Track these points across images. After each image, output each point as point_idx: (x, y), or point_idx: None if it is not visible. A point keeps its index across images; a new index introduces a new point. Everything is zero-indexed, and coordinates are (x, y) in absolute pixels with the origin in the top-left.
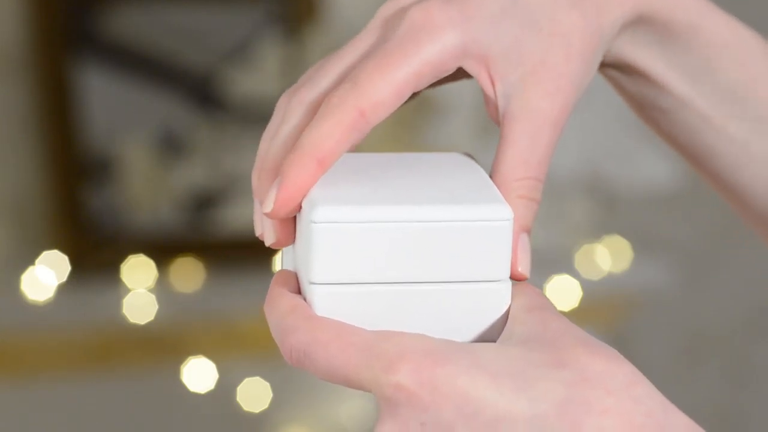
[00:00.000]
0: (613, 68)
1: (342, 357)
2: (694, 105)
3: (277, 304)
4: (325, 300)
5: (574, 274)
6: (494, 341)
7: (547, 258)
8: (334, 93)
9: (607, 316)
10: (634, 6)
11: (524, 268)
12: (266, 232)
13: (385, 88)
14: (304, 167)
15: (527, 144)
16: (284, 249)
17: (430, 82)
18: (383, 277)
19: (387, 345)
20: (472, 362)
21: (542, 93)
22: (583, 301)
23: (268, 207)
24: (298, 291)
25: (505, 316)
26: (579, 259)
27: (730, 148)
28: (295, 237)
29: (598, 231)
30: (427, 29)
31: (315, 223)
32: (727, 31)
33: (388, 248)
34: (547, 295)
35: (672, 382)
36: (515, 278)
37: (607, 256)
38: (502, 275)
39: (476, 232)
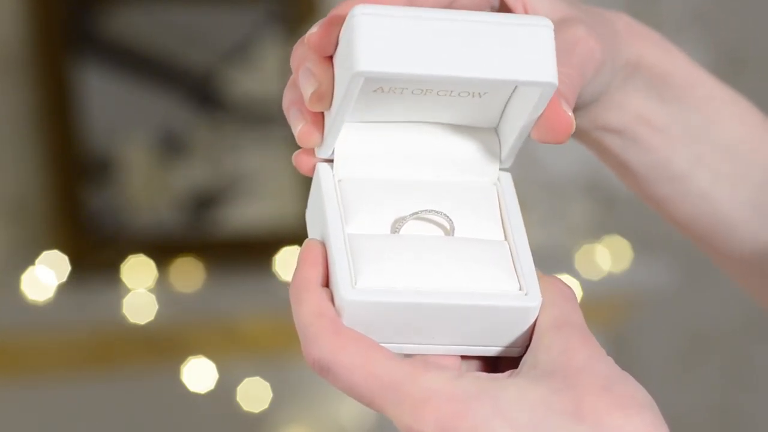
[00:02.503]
0: (616, 134)
1: (366, 387)
2: (701, 166)
3: (303, 302)
4: (353, 313)
5: (574, 274)
6: (519, 349)
7: (547, 258)
8: None
9: (607, 316)
10: (639, 49)
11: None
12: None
13: None
14: None
15: (564, 54)
16: (308, 212)
17: None
18: (423, 71)
19: (412, 388)
20: (493, 411)
21: (576, 28)
22: (583, 301)
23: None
24: (326, 269)
25: (532, 327)
26: (579, 259)
27: (743, 215)
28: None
29: (598, 231)
30: None
31: (356, 15)
32: (722, 91)
33: (431, 40)
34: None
35: (672, 382)
36: (558, 100)
37: (607, 256)
38: (548, 76)
39: (520, 35)
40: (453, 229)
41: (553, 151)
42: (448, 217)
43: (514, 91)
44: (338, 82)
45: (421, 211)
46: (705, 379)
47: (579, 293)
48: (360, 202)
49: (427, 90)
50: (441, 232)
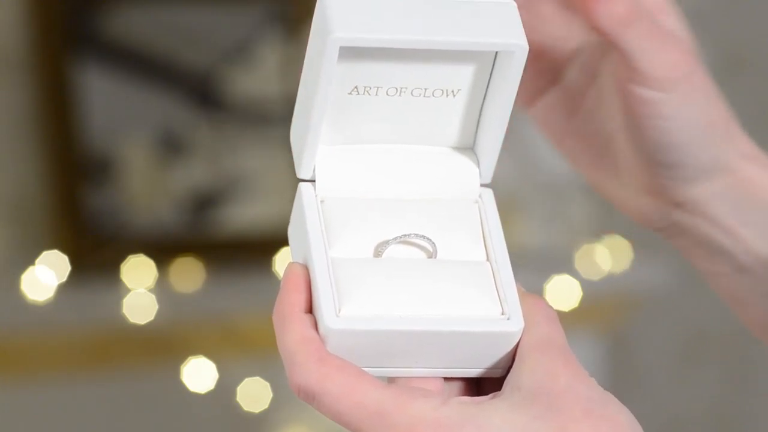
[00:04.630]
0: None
1: (352, 415)
2: None
3: (287, 329)
4: (338, 341)
5: (574, 274)
6: (501, 370)
7: (547, 258)
8: None
9: (607, 316)
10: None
11: None
12: None
13: None
14: None
15: None
16: (290, 230)
17: None
18: (397, 35)
19: (398, 416)
20: None
21: None
22: (583, 301)
23: None
24: (310, 294)
25: (515, 350)
26: (579, 259)
27: None
28: None
29: (598, 231)
30: None
31: None
32: None
33: (401, 12)
34: (550, 301)
35: (672, 382)
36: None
37: (607, 256)
38: (519, 39)
39: (487, 9)
40: (435, 251)
41: (553, 150)
42: (430, 240)
43: (488, 85)
44: (310, 79)
45: (404, 235)
46: (705, 379)
47: (579, 293)
48: (343, 223)
49: (401, 89)
50: (423, 255)
